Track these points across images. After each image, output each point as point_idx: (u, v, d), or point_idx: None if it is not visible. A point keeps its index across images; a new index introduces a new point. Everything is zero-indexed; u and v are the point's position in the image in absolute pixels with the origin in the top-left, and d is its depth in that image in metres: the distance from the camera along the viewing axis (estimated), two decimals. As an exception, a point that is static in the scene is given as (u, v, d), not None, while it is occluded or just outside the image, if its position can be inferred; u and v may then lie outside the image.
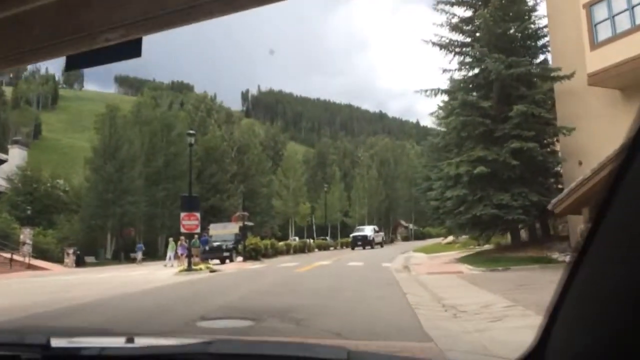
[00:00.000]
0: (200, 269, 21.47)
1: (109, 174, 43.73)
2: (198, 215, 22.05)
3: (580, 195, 18.36)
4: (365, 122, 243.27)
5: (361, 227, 49.47)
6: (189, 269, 21.18)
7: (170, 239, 31.30)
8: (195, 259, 28.03)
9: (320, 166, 77.31)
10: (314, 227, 55.98)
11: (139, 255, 37.66)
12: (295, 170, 51.97)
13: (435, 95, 24.43)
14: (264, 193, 56.25)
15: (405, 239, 78.38)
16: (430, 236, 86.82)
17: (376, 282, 14.59)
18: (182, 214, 21.92)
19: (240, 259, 30.21)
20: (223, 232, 32.51)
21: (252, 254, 30.36)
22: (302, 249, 41.79)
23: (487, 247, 33.24)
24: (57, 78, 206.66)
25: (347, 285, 13.69)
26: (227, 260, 29.84)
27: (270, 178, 58.91)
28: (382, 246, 46.41)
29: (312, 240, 48.75)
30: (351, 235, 46.51)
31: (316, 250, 45.17)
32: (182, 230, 22.03)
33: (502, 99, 21.08)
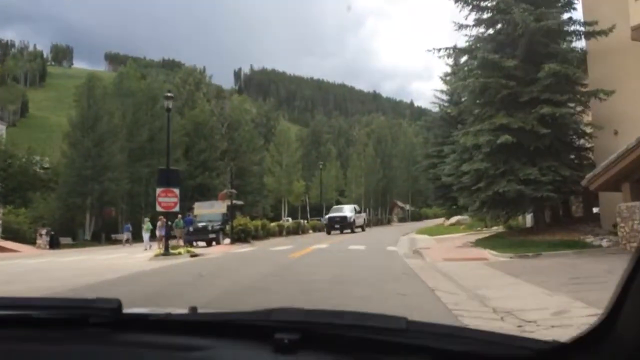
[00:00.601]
0: (179, 253, 18.64)
1: (87, 149, 40.53)
2: (177, 191, 19.07)
3: (621, 170, 15.68)
4: (359, 102, 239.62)
5: (338, 206, 42.80)
6: (166, 253, 18.32)
7: (146, 219, 28.37)
8: (179, 242, 25.37)
9: (314, 145, 74.27)
10: (308, 208, 53.24)
11: (126, 236, 34.59)
12: (288, 146, 48.72)
13: (449, 56, 21.54)
14: (255, 171, 53.30)
15: (402, 220, 75.94)
16: (427, 217, 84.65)
17: (390, 272, 11.81)
18: (158, 190, 18.97)
19: (227, 241, 27.37)
20: (209, 211, 29.59)
21: (241, 236, 27.49)
22: (295, 231, 38.95)
23: (494, 229, 30.78)
24: (45, 55, 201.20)
25: (355, 277, 10.90)
26: (214, 243, 27.01)
27: (262, 156, 55.93)
28: (363, 229, 39.54)
29: (306, 221, 45.88)
30: (326, 217, 39.10)
31: (310, 231, 42.35)
32: (158, 208, 19.06)
33: (529, 57, 18.12)
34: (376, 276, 10.98)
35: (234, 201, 30.45)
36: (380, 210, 65.27)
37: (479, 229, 31.96)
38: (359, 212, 42.08)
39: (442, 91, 36.48)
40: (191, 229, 27.18)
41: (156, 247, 23.51)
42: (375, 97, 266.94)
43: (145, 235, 26.98)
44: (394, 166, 62.04)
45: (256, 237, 29.13)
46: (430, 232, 32.89)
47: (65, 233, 38.07)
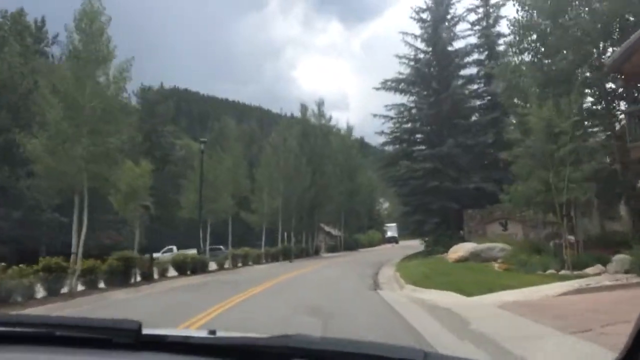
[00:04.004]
0: None
1: None
2: None
3: None
4: (277, 125, 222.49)
5: None
6: None
7: None
8: None
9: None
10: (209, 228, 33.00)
11: None
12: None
13: None
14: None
15: (332, 249, 57.75)
16: (362, 245, 67.21)
17: None
18: None
19: None
20: None
21: None
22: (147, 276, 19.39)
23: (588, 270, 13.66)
24: None
25: None
26: None
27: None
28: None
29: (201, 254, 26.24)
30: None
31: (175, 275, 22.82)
32: None
33: None
34: None
35: None
36: (306, 234, 46.57)
37: (551, 271, 14.33)
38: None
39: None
40: None
41: None
42: (297, 121, 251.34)
43: None
44: (327, 172, 44.06)
45: None
46: (449, 282, 14.41)
47: None
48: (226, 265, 28.44)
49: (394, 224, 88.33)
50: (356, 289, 15.29)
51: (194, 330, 1.77)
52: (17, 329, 1.31)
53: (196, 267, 23.39)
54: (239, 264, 30.23)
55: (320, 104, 48.30)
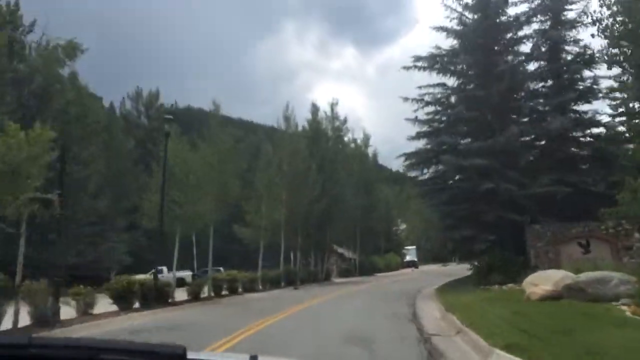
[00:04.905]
0: None
1: None
2: None
3: None
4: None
5: None
6: None
7: None
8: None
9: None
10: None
11: None
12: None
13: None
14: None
15: (346, 273, 50.15)
16: (378, 269, 59.37)
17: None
18: None
19: None
20: None
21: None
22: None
23: None
24: None
25: None
26: None
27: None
28: None
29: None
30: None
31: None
32: None
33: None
34: None
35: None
36: (315, 255, 38.99)
37: None
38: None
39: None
40: None
41: None
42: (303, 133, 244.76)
43: None
44: (340, 180, 36.60)
45: None
46: (585, 351, 6.99)
47: None
48: (204, 294, 21.07)
49: (413, 247, 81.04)
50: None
51: (235, 354, 1.51)
52: (62, 353, 1.30)
53: (148, 297, 16.02)
54: (224, 292, 22.87)
55: (333, 105, 40.99)
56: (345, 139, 46.17)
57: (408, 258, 76.88)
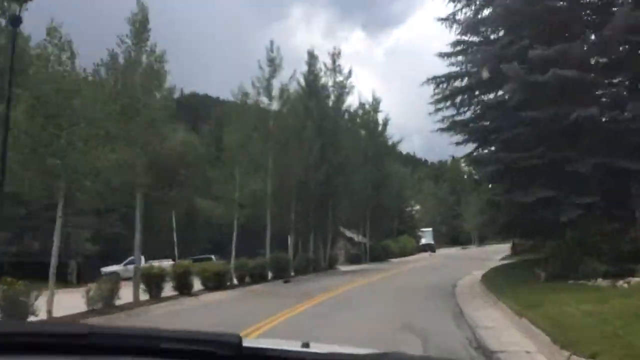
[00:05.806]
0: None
1: None
2: None
3: None
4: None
5: None
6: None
7: None
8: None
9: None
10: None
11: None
12: None
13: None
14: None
15: (354, 259, 43.41)
16: (392, 254, 52.41)
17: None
18: None
19: None
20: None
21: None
22: None
23: None
24: None
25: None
26: None
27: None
28: None
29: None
30: None
31: None
32: None
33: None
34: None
35: None
36: (315, 238, 31.91)
37: None
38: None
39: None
40: None
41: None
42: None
43: None
44: (344, 147, 29.42)
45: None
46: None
47: None
48: (118, 300, 13.76)
49: (429, 229, 74.49)
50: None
51: (289, 342, 1.29)
52: (122, 342, 1.31)
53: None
54: (176, 293, 15.98)
55: (335, 56, 33.51)
56: (350, 98, 39.00)
57: (424, 241, 70.22)
